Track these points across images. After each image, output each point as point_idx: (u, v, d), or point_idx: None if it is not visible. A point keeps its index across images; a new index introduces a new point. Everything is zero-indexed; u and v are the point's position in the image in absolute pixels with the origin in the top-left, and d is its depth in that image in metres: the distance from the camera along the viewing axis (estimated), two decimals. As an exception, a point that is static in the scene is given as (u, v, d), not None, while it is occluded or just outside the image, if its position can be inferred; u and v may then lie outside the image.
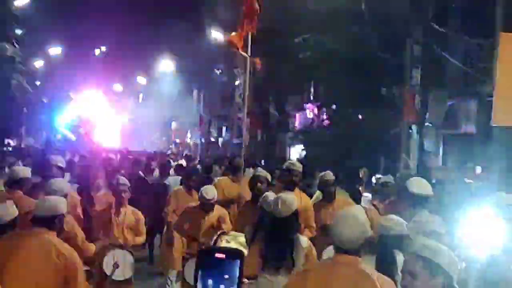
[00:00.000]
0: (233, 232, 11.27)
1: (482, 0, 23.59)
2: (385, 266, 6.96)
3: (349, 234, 5.98)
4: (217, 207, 12.33)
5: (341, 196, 12.96)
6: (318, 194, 13.63)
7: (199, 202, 12.31)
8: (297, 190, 11.53)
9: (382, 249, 7.47)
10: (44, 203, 8.00)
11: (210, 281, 2.09)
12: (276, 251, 8.58)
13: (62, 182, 10.67)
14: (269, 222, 8.95)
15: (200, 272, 2.07)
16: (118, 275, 11.94)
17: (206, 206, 12.11)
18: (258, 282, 8.56)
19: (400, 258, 6.92)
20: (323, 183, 12.62)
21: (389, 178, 13.71)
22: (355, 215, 6.22)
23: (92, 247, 10.38)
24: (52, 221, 7.84)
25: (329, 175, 12.68)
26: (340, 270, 5.98)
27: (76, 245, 8.94)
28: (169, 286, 14.88)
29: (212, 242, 11.17)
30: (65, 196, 9.13)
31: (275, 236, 8.70)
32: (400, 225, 7.87)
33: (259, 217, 9.73)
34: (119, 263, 11.85)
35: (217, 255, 2.15)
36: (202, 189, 12.11)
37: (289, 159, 12.89)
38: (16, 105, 36.12)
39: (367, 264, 6.24)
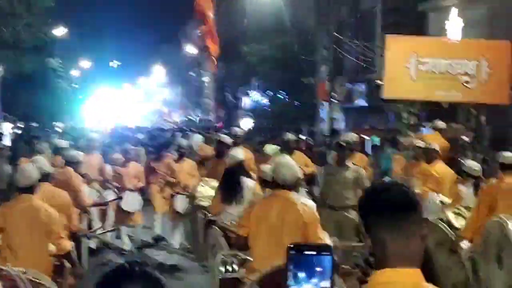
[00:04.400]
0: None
1: (366, 17, 23.14)
2: None
3: (284, 174, 5.51)
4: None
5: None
6: (275, 148, 12.07)
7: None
8: (241, 147, 10.28)
9: None
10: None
11: (302, 275, 0.89)
12: (229, 191, 7.75)
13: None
14: (224, 170, 8.23)
15: (291, 268, 0.95)
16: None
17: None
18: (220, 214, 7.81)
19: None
20: (283, 140, 11.07)
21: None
22: (288, 162, 5.70)
23: None
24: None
25: (288, 135, 11.15)
26: (275, 200, 5.59)
27: None
28: None
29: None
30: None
31: (227, 180, 7.89)
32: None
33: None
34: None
35: (307, 252, 0.97)
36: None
37: (237, 131, 11.67)
38: (58, 99, 35.18)
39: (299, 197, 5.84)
